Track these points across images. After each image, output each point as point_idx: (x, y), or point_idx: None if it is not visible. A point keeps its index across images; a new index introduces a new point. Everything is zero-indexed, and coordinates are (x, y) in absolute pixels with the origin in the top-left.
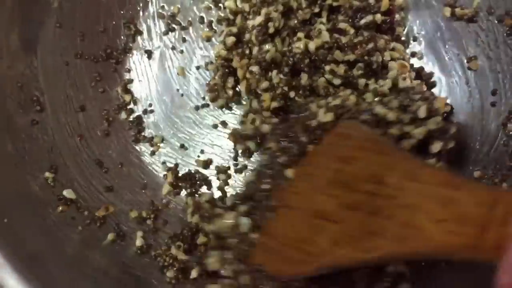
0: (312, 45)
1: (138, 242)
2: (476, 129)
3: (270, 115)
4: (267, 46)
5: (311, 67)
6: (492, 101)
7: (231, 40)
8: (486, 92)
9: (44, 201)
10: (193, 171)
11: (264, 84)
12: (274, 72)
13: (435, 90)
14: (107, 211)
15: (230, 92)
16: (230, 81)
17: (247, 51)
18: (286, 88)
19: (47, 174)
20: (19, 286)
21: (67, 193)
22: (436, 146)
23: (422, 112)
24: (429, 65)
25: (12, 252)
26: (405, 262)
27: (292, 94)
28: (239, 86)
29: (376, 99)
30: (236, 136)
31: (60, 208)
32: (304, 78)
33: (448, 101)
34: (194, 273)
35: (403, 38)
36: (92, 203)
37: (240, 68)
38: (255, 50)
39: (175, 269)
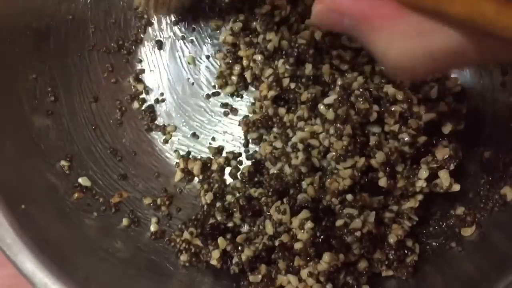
0: (318, 34)
1: (153, 227)
2: (486, 109)
3: (271, 104)
4: (270, 36)
5: (316, 56)
6: (502, 81)
7: (237, 26)
8: (496, 72)
9: (60, 188)
10: (205, 159)
11: (268, 72)
12: (280, 61)
13: None
14: (121, 197)
15: (235, 79)
16: (236, 68)
17: (255, 40)
18: (288, 79)
19: (62, 162)
20: (36, 269)
21: (83, 180)
22: (447, 128)
23: (434, 93)
24: None
25: (30, 237)
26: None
27: (292, 85)
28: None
29: (383, 80)
30: (247, 124)
31: (76, 195)
32: (308, 68)
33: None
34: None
35: None
36: (107, 190)
37: (245, 57)
38: (260, 38)
39: (188, 253)
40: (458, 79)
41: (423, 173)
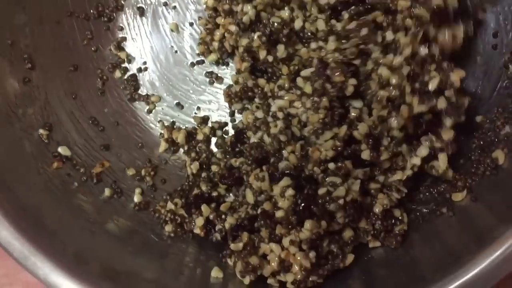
0: (298, 23)
1: (136, 198)
2: (477, 74)
3: (248, 76)
4: (248, 7)
5: (290, 37)
6: (494, 43)
7: None
8: (487, 35)
9: (39, 157)
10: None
11: (243, 42)
12: (256, 34)
13: None
14: (103, 167)
15: (216, 45)
16: (218, 34)
17: (235, 9)
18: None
19: (41, 131)
20: (13, 237)
21: (62, 150)
22: (448, 121)
23: (432, 85)
24: None
25: (7, 206)
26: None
27: (270, 58)
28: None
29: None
30: (230, 96)
31: (55, 165)
32: (280, 50)
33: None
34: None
35: None
36: (88, 161)
37: (222, 26)
38: (238, 8)
39: (173, 223)
40: (463, 72)
41: (422, 151)
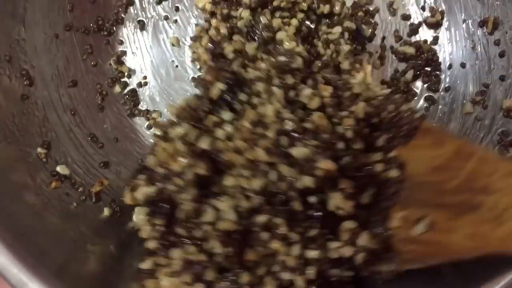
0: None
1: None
2: None
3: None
4: (245, 14)
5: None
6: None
7: None
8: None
9: (37, 178)
10: None
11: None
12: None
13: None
14: (102, 185)
15: (201, 50)
16: (205, 39)
17: (234, 13)
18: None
19: (39, 150)
20: (10, 263)
21: (61, 169)
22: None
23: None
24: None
25: (4, 231)
26: None
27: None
28: None
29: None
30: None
31: (54, 185)
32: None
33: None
34: None
35: None
36: (87, 179)
37: (215, 27)
38: (238, 12)
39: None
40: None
41: None
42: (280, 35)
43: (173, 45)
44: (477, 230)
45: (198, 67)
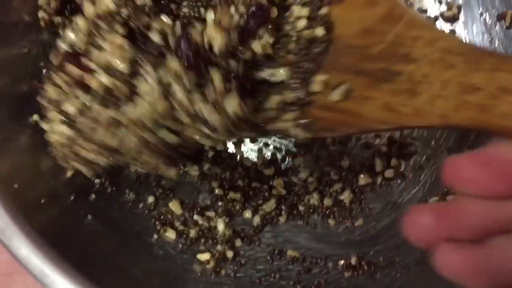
0: None
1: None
2: None
3: None
4: None
5: None
6: None
7: None
8: None
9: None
10: None
11: None
12: None
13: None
14: None
15: None
16: None
17: None
18: None
19: None
20: (32, 254)
21: None
22: None
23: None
24: None
25: (24, 220)
26: None
27: None
28: None
29: None
30: None
31: (69, 173)
32: None
33: None
34: None
35: None
36: None
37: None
38: None
39: None
40: None
41: None
42: None
43: None
44: (392, 100)
45: None
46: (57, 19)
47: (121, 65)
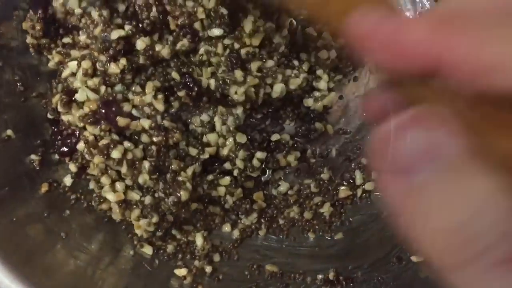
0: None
1: None
2: None
3: None
4: None
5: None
6: None
7: None
8: None
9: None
10: None
11: None
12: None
13: None
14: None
15: None
16: None
17: None
18: None
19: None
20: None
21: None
22: None
23: None
24: None
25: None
26: None
27: None
28: None
29: None
30: None
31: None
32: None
33: None
34: None
35: None
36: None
37: None
38: None
39: None
40: None
41: None
42: None
43: None
44: None
45: None
46: (43, 42)
47: None
